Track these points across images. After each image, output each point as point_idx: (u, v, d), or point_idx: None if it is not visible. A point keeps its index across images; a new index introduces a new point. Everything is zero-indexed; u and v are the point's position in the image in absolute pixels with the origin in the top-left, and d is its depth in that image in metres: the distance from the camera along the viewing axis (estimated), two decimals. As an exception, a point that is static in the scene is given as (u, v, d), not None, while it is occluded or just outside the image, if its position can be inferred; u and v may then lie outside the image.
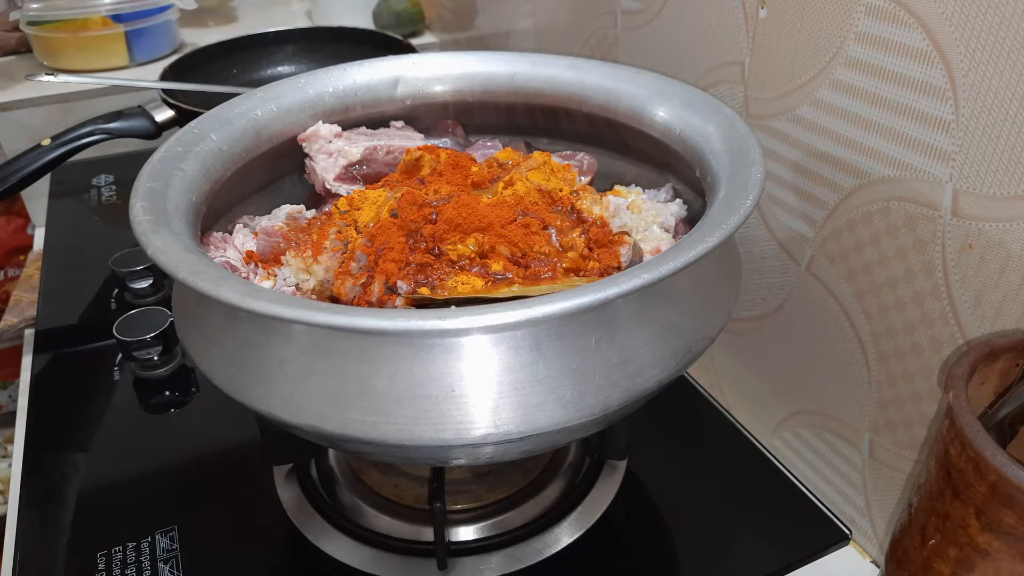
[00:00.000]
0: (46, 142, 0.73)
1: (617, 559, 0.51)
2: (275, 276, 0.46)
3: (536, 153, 0.52)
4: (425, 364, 0.34)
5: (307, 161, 0.54)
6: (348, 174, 0.54)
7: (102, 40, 1.12)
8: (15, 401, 0.67)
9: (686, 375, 0.66)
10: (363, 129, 0.56)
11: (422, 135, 0.57)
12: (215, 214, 0.48)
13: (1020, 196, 0.38)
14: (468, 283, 0.40)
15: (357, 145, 0.54)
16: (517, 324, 0.31)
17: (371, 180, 0.54)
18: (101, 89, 1.05)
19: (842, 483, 0.54)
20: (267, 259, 0.47)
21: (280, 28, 1.06)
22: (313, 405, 0.35)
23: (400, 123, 0.57)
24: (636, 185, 0.52)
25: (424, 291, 0.40)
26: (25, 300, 0.79)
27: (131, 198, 0.40)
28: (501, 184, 0.47)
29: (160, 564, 0.50)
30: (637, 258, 0.44)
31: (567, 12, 0.78)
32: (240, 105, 0.51)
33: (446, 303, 0.39)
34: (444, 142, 0.57)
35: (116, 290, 0.76)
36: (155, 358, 0.65)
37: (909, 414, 0.47)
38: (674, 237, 0.48)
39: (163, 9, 1.16)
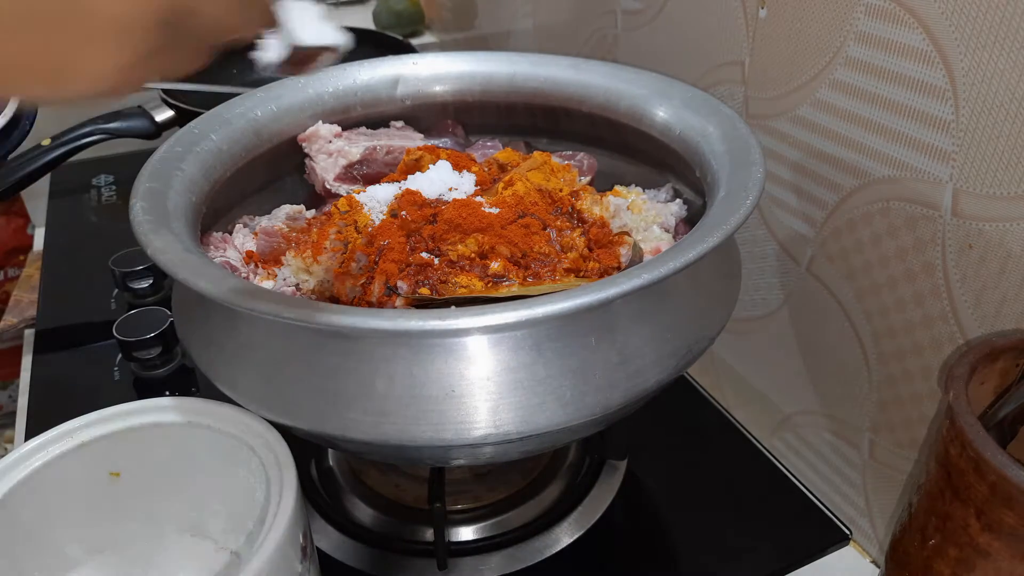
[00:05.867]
0: (46, 142, 0.73)
1: (617, 559, 0.51)
2: (275, 276, 0.46)
3: (536, 153, 0.52)
4: (425, 364, 0.34)
5: (307, 161, 0.54)
6: (348, 174, 0.54)
7: (102, 40, 1.12)
8: (15, 401, 0.67)
9: (686, 375, 0.66)
10: (363, 129, 0.56)
11: (422, 135, 0.57)
12: (215, 214, 0.48)
13: (1020, 196, 0.38)
14: (468, 284, 0.40)
15: (357, 145, 0.54)
16: (517, 324, 0.31)
17: (371, 180, 0.54)
18: (101, 89, 1.04)
19: (842, 483, 0.54)
20: (267, 259, 0.47)
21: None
22: (313, 405, 0.35)
23: (400, 123, 0.57)
24: (636, 185, 0.52)
25: (424, 291, 0.40)
26: (25, 300, 0.79)
27: (131, 198, 0.40)
28: (501, 184, 0.47)
29: (160, 564, 0.50)
30: (637, 258, 0.44)
31: (567, 12, 0.78)
32: (240, 105, 0.51)
33: (446, 303, 0.39)
34: (444, 142, 0.57)
35: (116, 290, 0.76)
36: (155, 358, 0.65)
37: (909, 414, 0.47)
38: (674, 237, 0.48)
39: (163, 9, 1.15)
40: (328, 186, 0.54)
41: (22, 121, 0.54)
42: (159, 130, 0.79)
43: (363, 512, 0.53)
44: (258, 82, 0.51)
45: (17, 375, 0.68)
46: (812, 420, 0.56)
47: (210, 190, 0.46)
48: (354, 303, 0.41)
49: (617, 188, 0.51)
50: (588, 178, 0.54)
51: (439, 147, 0.54)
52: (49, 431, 0.40)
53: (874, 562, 0.52)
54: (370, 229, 0.44)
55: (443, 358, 0.34)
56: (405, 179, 0.48)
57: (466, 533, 0.51)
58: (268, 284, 0.45)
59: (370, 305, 0.40)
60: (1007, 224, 0.39)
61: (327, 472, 0.56)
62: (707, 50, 0.58)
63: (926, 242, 0.43)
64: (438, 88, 0.57)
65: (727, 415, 0.62)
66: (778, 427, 0.59)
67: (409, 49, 1.01)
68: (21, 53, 0.20)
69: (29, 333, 0.73)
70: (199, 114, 0.49)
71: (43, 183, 0.87)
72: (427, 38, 1.25)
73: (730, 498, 0.55)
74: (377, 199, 0.47)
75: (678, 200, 0.50)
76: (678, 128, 0.48)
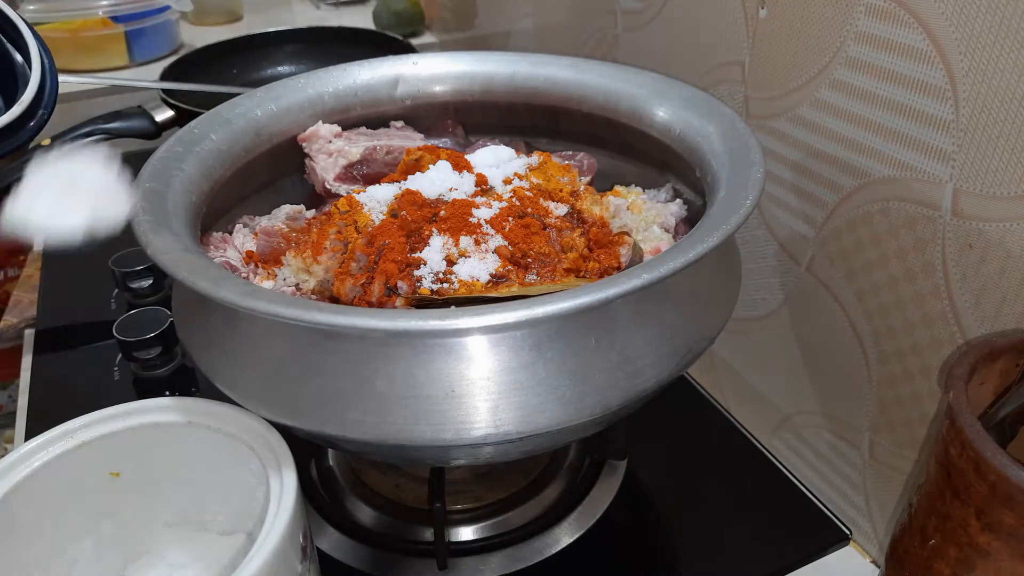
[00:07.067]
0: (46, 142, 0.72)
1: (617, 559, 0.51)
2: (275, 276, 0.46)
3: (536, 153, 0.52)
4: (425, 364, 0.34)
5: (307, 161, 0.54)
6: (348, 174, 0.54)
7: (102, 40, 1.12)
8: (15, 401, 0.67)
9: (686, 375, 0.66)
10: (363, 129, 0.56)
11: (422, 135, 0.57)
12: (215, 214, 0.48)
13: (1020, 196, 0.38)
14: (468, 283, 0.40)
15: (357, 145, 0.54)
16: (517, 324, 0.31)
17: (371, 180, 0.54)
18: (101, 89, 1.05)
19: (842, 483, 0.54)
20: (267, 259, 0.47)
21: (280, 28, 1.06)
22: (313, 405, 0.35)
23: (400, 123, 0.57)
24: (636, 185, 0.52)
25: (424, 291, 0.40)
26: (25, 300, 0.79)
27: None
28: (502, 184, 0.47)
29: (160, 564, 0.50)
30: (637, 258, 0.44)
31: (567, 12, 0.78)
32: (240, 105, 0.51)
33: (446, 303, 0.39)
34: (444, 142, 0.57)
35: (116, 290, 0.76)
36: (155, 358, 0.65)
37: (909, 414, 0.47)
38: (674, 237, 0.48)
39: (163, 9, 1.16)
40: (328, 186, 0.54)
41: (39, 111, 0.53)
42: (159, 130, 0.79)
43: (363, 512, 0.53)
44: (258, 82, 0.51)
45: (17, 375, 0.68)
46: (812, 420, 0.56)
47: (210, 190, 0.46)
48: (354, 303, 0.41)
49: (617, 188, 0.51)
50: (588, 178, 0.54)
51: (439, 147, 0.54)
52: (49, 431, 0.40)
53: (874, 562, 0.52)
54: (370, 229, 0.44)
55: (443, 358, 0.34)
56: (405, 179, 0.48)
57: (466, 533, 0.51)
58: (268, 284, 0.45)
59: (370, 305, 0.40)
60: (1007, 224, 0.39)
61: (327, 472, 0.56)
62: (707, 50, 0.58)
63: (926, 242, 0.43)
64: (438, 88, 0.57)
65: (727, 415, 0.62)
66: (778, 427, 0.59)
67: (409, 49, 1.01)
68: None
69: (29, 333, 0.73)
70: (199, 114, 0.49)
71: (43, 183, 0.87)
72: (427, 38, 1.25)
73: (730, 498, 0.55)
74: (377, 199, 0.47)
75: (678, 200, 0.50)
76: (678, 128, 0.48)
